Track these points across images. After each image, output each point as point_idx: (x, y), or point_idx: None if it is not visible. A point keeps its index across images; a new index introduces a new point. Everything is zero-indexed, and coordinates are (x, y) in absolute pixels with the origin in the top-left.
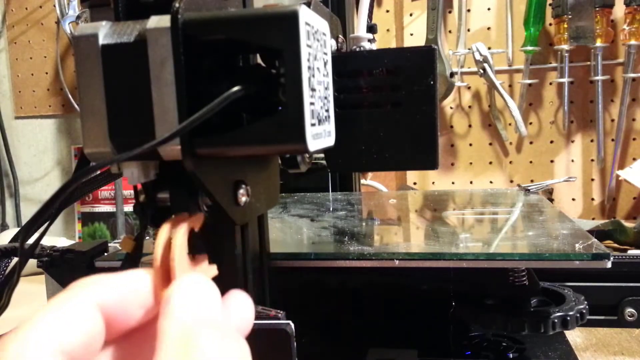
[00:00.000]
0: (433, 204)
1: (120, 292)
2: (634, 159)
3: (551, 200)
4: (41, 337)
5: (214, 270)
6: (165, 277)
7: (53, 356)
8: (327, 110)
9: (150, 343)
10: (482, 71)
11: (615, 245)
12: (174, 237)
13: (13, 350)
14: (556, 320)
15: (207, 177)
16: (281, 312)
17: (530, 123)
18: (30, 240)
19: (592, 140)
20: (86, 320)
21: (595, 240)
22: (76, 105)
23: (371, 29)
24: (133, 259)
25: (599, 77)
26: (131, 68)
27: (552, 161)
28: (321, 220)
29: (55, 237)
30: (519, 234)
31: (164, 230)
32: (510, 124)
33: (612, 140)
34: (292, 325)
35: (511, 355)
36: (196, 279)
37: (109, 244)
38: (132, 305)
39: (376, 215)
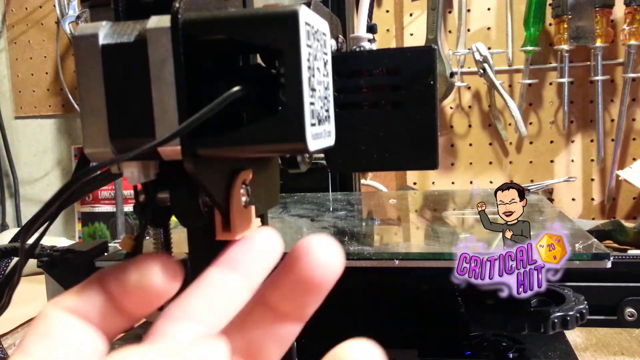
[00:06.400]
0: (433, 204)
1: None
2: (634, 159)
3: (551, 200)
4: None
5: (258, 221)
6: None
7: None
8: (327, 110)
9: None
10: (482, 71)
11: (615, 245)
12: (233, 186)
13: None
14: (556, 320)
15: (207, 177)
16: None
17: (530, 123)
18: (31, 240)
19: (592, 140)
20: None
21: (595, 240)
22: (76, 105)
23: (371, 29)
24: None
25: (599, 77)
26: (131, 68)
27: (552, 161)
28: (321, 220)
29: (55, 237)
30: None
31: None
32: (510, 124)
33: (612, 140)
34: None
35: (511, 355)
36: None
37: (109, 244)
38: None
39: (376, 215)
